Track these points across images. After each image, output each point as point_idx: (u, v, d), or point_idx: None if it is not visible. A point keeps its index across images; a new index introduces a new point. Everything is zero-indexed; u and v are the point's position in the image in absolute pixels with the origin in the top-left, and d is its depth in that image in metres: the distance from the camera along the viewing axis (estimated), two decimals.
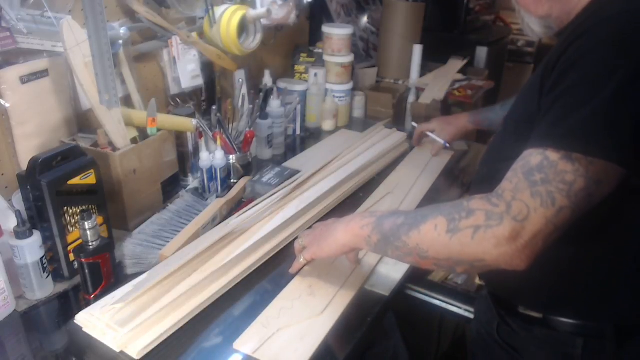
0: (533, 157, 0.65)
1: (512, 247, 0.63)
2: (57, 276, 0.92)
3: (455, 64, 2.12)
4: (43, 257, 0.87)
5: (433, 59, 2.08)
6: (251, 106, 1.38)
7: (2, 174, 1.01)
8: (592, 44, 0.64)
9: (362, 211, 1.18)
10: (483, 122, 1.40)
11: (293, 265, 0.95)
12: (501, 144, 0.82)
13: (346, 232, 0.83)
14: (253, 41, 1.44)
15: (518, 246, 0.63)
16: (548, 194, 0.62)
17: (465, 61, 2.16)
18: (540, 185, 0.63)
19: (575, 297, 0.76)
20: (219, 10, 1.36)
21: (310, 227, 1.01)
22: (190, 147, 1.27)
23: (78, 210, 0.91)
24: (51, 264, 0.90)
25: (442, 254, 0.69)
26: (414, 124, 1.58)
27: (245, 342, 0.79)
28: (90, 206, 0.93)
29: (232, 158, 1.27)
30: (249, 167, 1.32)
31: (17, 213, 0.85)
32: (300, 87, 1.66)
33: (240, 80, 1.48)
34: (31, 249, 0.85)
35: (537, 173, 0.64)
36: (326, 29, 1.70)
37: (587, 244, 0.73)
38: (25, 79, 0.99)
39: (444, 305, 1.04)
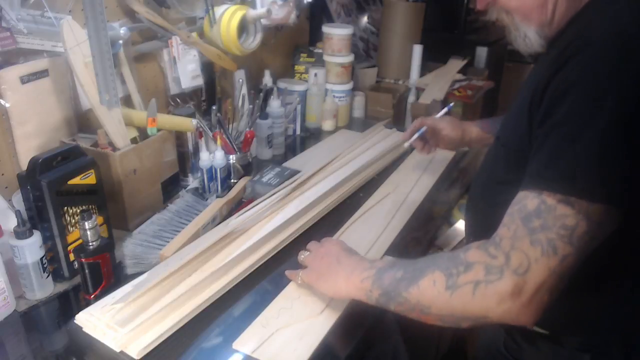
0: (529, 201, 0.62)
1: (516, 303, 0.60)
2: (57, 276, 0.92)
3: (455, 64, 2.11)
4: (43, 257, 0.87)
5: (433, 59, 2.07)
6: (251, 106, 1.38)
7: (2, 174, 1.01)
8: (577, 74, 0.62)
9: (362, 212, 1.18)
10: (493, 128, 1.23)
11: (292, 273, 0.93)
12: (493, 168, 0.80)
13: (347, 283, 0.79)
14: (253, 41, 1.44)
15: (522, 301, 0.60)
16: (549, 242, 0.59)
17: (465, 61, 2.16)
18: (539, 232, 0.60)
19: (582, 316, 0.74)
20: (219, 10, 1.36)
21: (319, 241, 0.96)
22: (190, 147, 1.27)
23: (78, 210, 0.91)
24: (51, 264, 0.90)
25: (444, 311, 0.66)
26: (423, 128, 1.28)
27: (244, 342, 0.79)
28: (90, 206, 0.93)
29: (232, 158, 1.27)
30: (249, 167, 1.32)
31: (17, 213, 0.85)
32: (300, 87, 1.66)
33: (240, 80, 1.48)
34: (31, 249, 0.85)
35: (535, 219, 0.61)
36: (326, 29, 1.70)
37: (593, 272, 0.69)
38: (25, 79, 0.99)
39: None
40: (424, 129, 1.22)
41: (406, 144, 1.22)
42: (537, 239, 0.60)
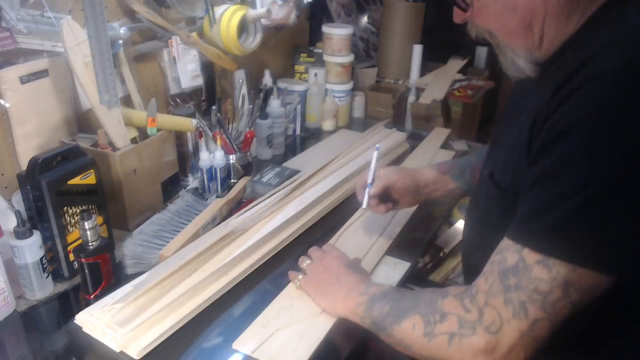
0: (509, 255, 0.59)
1: (489, 358, 0.59)
2: (57, 276, 0.92)
3: (455, 64, 2.12)
4: (43, 257, 0.87)
5: (433, 59, 2.07)
6: (251, 106, 1.38)
7: (2, 174, 1.01)
8: (580, 113, 0.55)
9: (362, 212, 1.17)
10: (450, 167, 1.05)
11: (293, 274, 0.93)
12: (487, 209, 0.75)
13: (344, 305, 0.81)
14: (253, 41, 1.44)
15: (496, 357, 0.59)
16: (520, 305, 0.57)
17: (465, 61, 2.16)
18: (513, 291, 0.58)
19: None
20: (218, 10, 1.36)
21: (321, 247, 0.98)
22: (190, 147, 1.27)
23: (78, 210, 0.91)
24: (51, 264, 0.90)
25: (424, 353, 0.67)
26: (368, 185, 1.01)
27: (244, 342, 0.79)
28: (90, 206, 0.93)
29: (232, 158, 1.27)
30: (249, 167, 1.32)
31: (17, 213, 0.85)
32: (300, 87, 1.66)
33: (240, 80, 1.48)
34: (31, 249, 0.85)
35: (512, 276, 0.58)
36: (326, 29, 1.70)
37: (579, 332, 0.64)
38: (25, 79, 0.99)
39: None
40: (368, 188, 0.99)
41: (363, 205, 0.99)
42: (510, 299, 0.58)
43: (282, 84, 1.67)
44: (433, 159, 1.47)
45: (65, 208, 0.89)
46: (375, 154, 1.03)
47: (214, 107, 1.29)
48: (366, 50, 2.14)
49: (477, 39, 0.71)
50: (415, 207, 1.18)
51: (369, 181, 0.99)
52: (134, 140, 1.10)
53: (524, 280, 0.57)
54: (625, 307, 0.62)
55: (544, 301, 0.56)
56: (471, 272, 0.75)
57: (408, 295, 0.74)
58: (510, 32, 0.65)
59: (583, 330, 0.63)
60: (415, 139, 1.61)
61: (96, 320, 0.79)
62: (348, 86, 1.75)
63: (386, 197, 1.01)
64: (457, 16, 0.69)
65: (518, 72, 0.69)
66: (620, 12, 0.60)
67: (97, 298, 0.85)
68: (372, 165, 1.01)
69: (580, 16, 0.62)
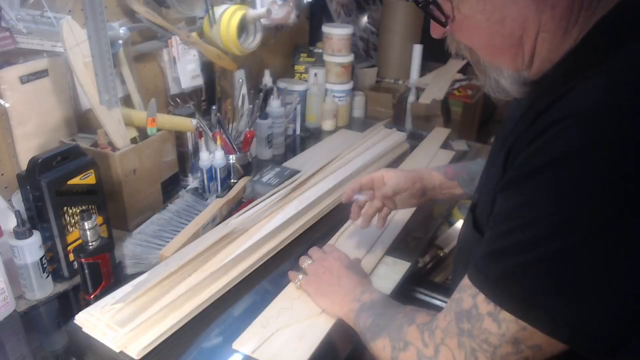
0: (466, 297, 0.56)
1: None
2: (57, 276, 0.92)
3: (455, 64, 2.11)
4: (43, 257, 0.87)
5: (433, 58, 2.07)
6: (251, 106, 1.38)
7: (2, 174, 1.01)
8: (550, 156, 0.48)
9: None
10: (459, 172, 0.99)
11: (293, 274, 0.94)
12: (472, 248, 0.68)
13: (341, 307, 0.82)
14: (253, 41, 1.44)
15: None
16: (472, 352, 0.55)
17: (465, 61, 2.16)
18: (466, 336, 0.56)
19: None
20: (218, 10, 1.36)
21: (321, 248, 0.99)
22: (190, 147, 1.27)
23: (78, 210, 0.91)
24: (51, 264, 0.90)
25: None
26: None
27: (244, 342, 0.79)
28: (90, 206, 0.93)
29: (232, 158, 1.27)
30: (249, 167, 1.32)
31: (17, 213, 0.85)
32: (300, 87, 1.66)
33: (240, 80, 1.48)
34: (31, 249, 0.85)
35: (465, 320, 0.56)
36: (326, 29, 1.70)
37: None
38: (25, 79, 0.99)
39: (444, 305, 1.03)
40: (362, 196, 0.98)
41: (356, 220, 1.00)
42: (463, 343, 0.56)
43: (282, 84, 1.67)
44: (433, 159, 1.47)
45: (65, 208, 0.89)
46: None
47: (214, 107, 1.29)
48: (366, 50, 2.14)
49: (457, 55, 0.63)
50: (415, 207, 1.17)
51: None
52: (134, 140, 1.10)
53: (475, 328, 0.55)
54: None
55: (493, 353, 0.53)
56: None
57: (387, 312, 0.74)
58: (496, 49, 0.57)
59: None
60: (415, 139, 1.61)
61: (96, 320, 0.79)
62: (348, 86, 1.75)
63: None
64: (435, 30, 0.61)
65: (501, 93, 0.62)
66: (620, 33, 0.51)
67: (97, 298, 0.85)
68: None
69: (579, 32, 0.54)
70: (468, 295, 0.56)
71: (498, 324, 0.52)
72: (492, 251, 0.54)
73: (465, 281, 0.58)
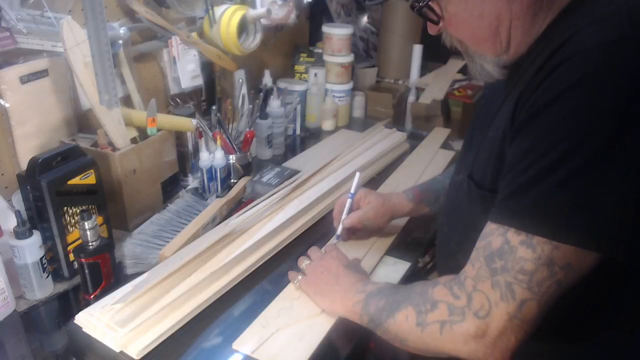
0: (494, 238, 0.59)
1: (480, 344, 0.59)
2: (57, 276, 0.92)
3: (455, 64, 2.11)
4: (43, 257, 0.87)
5: (433, 58, 2.07)
6: (251, 106, 1.38)
7: (2, 174, 1.01)
8: (559, 88, 0.55)
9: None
10: (425, 195, 1.07)
11: (293, 274, 0.93)
12: (469, 212, 0.74)
13: (342, 304, 0.81)
14: (253, 41, 1.44)
15: (487, 343, 0.59)
16: (507, 286, 0.57)
17: (465, 61, 2.16)
18: (500, 274, 0.58)
19: None
20: (218, 10, 1.36)
21: (321, 248, 0.99)
22: (190, 147, 1.27)
23: (78, 210, 0.91)
24: (51, 264, 0.90)
25: (419, 345, 0.67)
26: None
27: (244, 342, 0.79)
28: (90, 206, 0.93)
29: (232, 158, 1.27)
30: (249, 167, 1.32)
31: (17, 213, 0.85)
32: (300, 87, 1.66)
33: (240, 80, 1.48)
34: (31, 249, 0.85)
35: (497, 259, 0.58)
36: (326, 29, 1.70)
37: (565, 342, 0.65)
38: (25, 79, 0.99)
39: None
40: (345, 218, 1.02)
41: (338, 232, 1.04)
42: (497, 282, 0.58)
43: (282, 84, 1.67)
44: (433, 159, 1.47)
45: (65, 208, 0.89)
46: (355, 180, 1.03)
47: (214, 107, 1.29)
48: (366, 50, 2.14)
49: (451, 48, 0.72)
50: None
51: (345, 214, 1.02)
52: (134, 140, 1.10)
53: (509, 261, 0.57)
54: (616, 290, 0.62)
55: (529, 281, 0.56)
56: (445, 271, 0.75)
57: (401, 289, 0.74)
58: (479, 39, 0.67)
59: (573, 314, 0.62)
60: (415, 139, 1.61)
61: (96, 320, 0.79)
62: (348, 86, 1.75)
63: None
64: (431, 28, 0.70)
65: (487, 76, 0.71)
66: (585, 5, 0.60)
67: (97, 298, 0.85)
68: (353, 189, 1.03)
69: (545, 16, 0.63)
70: (496, 236, 0.59)
71: (532, 248, 0.56)
72: (514, 188, 0.58)
73: (489, 227, 0.61)
